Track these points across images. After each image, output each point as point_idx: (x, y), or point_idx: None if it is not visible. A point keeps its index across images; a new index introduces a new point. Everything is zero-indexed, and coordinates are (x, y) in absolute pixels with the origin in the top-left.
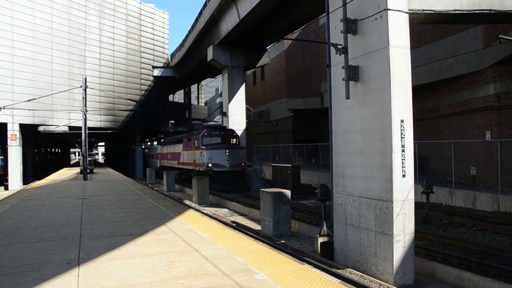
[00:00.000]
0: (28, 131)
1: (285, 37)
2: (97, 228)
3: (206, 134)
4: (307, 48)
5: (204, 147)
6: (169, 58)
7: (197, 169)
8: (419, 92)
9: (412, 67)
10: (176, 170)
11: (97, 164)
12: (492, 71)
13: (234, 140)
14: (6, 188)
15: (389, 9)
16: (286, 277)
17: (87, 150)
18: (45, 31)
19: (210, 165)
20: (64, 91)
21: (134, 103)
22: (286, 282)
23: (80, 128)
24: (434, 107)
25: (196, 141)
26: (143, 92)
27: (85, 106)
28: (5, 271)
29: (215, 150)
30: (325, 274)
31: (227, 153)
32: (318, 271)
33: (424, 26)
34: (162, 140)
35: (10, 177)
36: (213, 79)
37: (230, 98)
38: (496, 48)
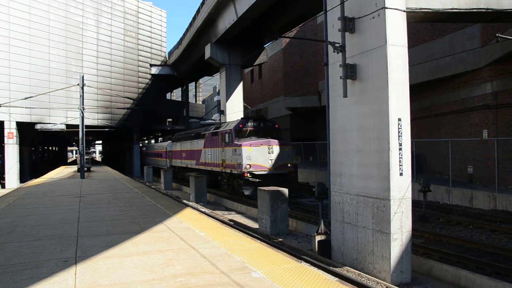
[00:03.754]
0: (25, 129)
1: (283, 35)
2: (94, 226)
3: (240, 126)
4: (305, 46)
5: (239, 143)
6: (167, 56)
7: (229, 171)
8: (416, 90)
9: (410, 66)
10: (195, 172)
11: (94, 162)
12: (489, 69)
13: (277, 133)
14: (3, 186)
15: (387, 8)
16: (283, 275)
17: (85, 149)
18: (42, 28)
19: (248, 166)
20: (61, 89)
21: (132, 101)
22: (283, 280)
23: (77, 126)
24: (432, 106)
25: (226, 135)
26: (141, 90)
27: (83, 104)
28: (1, 270)
29: (254, 146)
30: (323, 272)
31: (270, 151)
32: (315, 269)
33: (422, 24)
34: (174, 136)
35: (7, 176)
36: (210, 77)
37: (227, 97)
38: (493, 47)
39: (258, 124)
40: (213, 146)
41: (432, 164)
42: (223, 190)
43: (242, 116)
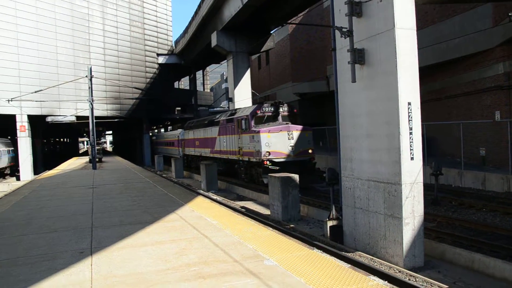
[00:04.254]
0: (37, 122)
1: (289, 21)
2: (107, 217)
3: (257, 111)
4: (312, 31)
5: (256, 129)
6: (173, 45)
7: (246, 159)
8: (426, 73)
9: (419, 48)
10: (209, 160)
11: (105, 152)
12: (501, 50)
13: (295, 118)
14: (18, 178)
15: None
16: (296, 262)
17: (95, 140)
18: (48, 21)
19: (267, 153)
20: (70, 81)
21: (140, 91)
22: (296, 268)
23: (87, 117)
24: (442, 88)
25: (243, 121)
26: (149, 79)
27: (92, 96)
28: (21, 261)
29: (273, 133)
30: (335, 259)
31: (290, 137)
32: (327, 256)
33: (431, 5)
34: (186, 123)
35: (21, 168)
36: (218, 65)
37: (235, 84)
38: (505, 26)
39: (275, 109)
40: (228, 133)
41: (443, 147)
42: (240, 179)
43: (258, 102)
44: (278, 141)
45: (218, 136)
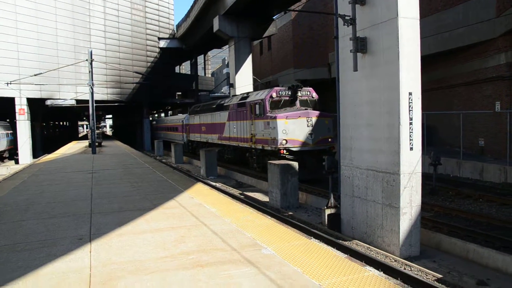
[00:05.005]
0: (36, 105)
1: (292, 7)
2: (107, 203)
3: (274, 95)
4: (314, 17)
5: (273, 115)
6: (175, 29)
7: (259, 147)
8: (428, 62)
9: (421, 37)
10: (217, 147)
11: (105, 136)
12: (504, 40)
13: (314, 103)
14: (17, 162)
15: None
16: (293, 251)
17: (95, 124)
18: (48, 3)
19: (284, 141)
20: (70, 65)
21: (141, 75)
22: (293, 257)
23: (87, 101)
24: (443, 77)
25: (257, 106)
26: (149, 64)
27: (92, 80)
28: (21, 247)
29: (291, 119)
30: (332, 248)
31: (309, 124)
32: (325, 246)
33: None
34: (191, 107)
35: (20, 151)
36: (219, 50)
37: (237, 69)
38: (509, 16)
39: (293, 93)
40: (239, 119)
41: (443, 136)
42: (252, 168)
43: (269, 86)
44: (296, 128)
45: (227, 122)
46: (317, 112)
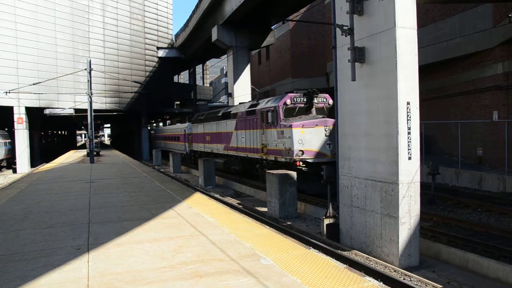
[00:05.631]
0: (34, 114)
1: (290, 17)
2: (105, 213)
3: (288, 102)
4: (313, 27)
5: (287, 123)
6: (174, 39)
7: (272, 158)
8: (425, 71)
9: (419, 47)
10: (223, 158)
11: (103, 146)
12: (501, 50)
13: (331, 110)
14: (15, 171)
15: None
16: (292, 262)
17: (93, 133)
18: (47, 12)
19: (300, 152)
20: (69, 74)
21: (139, 84)
22: (292, 267)
23: (85, 110)
24: (441, 87)
25: (269, 114)
26: (148, 73)
27: (90, 89)
28: (17, 257)
29: (308, 128)
30: (331, 258)
31: (327, 133)
32: (324, 256)
33: (432, 4)
34: (193, 116)
35: (18, 161)
36: (218, 59)
37: (235, 79)
38: (505, 26)
39: (309, 99)
40: (248, 128)
41: (441, 146)
42: (262, 181)
43: (290, 91)
44: (313, 138)
45: (235, 131)
46: (334, 121)
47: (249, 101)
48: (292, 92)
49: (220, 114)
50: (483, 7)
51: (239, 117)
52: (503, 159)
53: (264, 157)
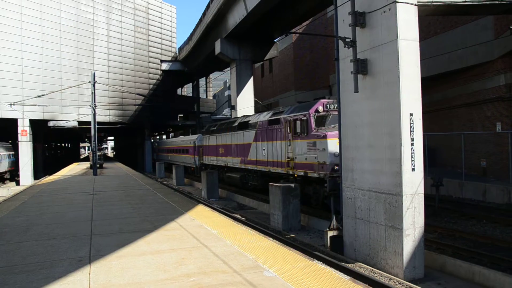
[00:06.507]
0: (38, 127)
1: (293, 30)
2: (107, 225)
3: (320, 109)
4: (315, 40)
5: (320, 134)
6: (177, 52)
7: (301, 173)
8: (428, 83)
9: (421, 59)
10: (239, 172)
11: (106, 158)
12: (502, 61)
13: None
14: (18, 183)
15: (398, 2)
16: (295, 274)
17: (97, 145)
18: (53, 26)
19: (336, 167)
20: (73, 86)
21: (143, 97)
22: (295, 279)
23: (89, 123)
24: (444, 99)
25: (298, 123)
26: (151, 86)
27: (94, 101)
28: (18, 269)
29: None
30: (335, 270)
31: None
32: (328, 268)
33: (434, 16)
34: (205, 127)
35: (21, 173)
36: (221, 72)
37: (238, 92)
38: (507, 38)
39: None
40: (271, 139)
41: (444, 158)
42: None
43: (319, 99)
44: None
45: (254, 143)
46: None
47: (272, 110)
48: (323, 98)
49: (236, 124)
50: (485, 19)
51: (259, 127)
52: (507, 171)
53: (290, 172)
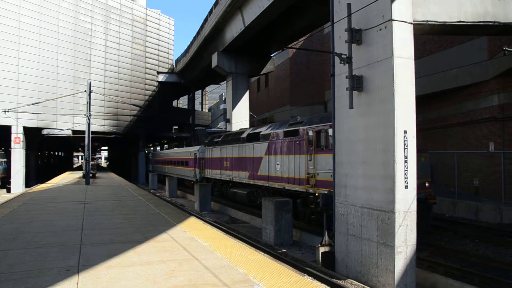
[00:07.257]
0: (32, 134)
1: (290, 45)
2: (97, 235)
3: None
4: (312, 56)
5: None
6: (174, 64)
7: (324, 192)
8: (422, 102)
9: (416, 77)
10: (246, 188)
11: (99, 168)
12: (496, 82)
13: None
14: (9, 191)
15: (394, 20)
16: None
17: (90, 155)
18: (51, 35)
19: None
20: (68, 95)
21: (138, 108)
22: None
23: (83, 132)
24: (438, 117)
25: (321, 134)
26: (147, 97)
27: (89, 111)
28: (4, 277)
29: None
30: (326, 286)
31: None
32: (318, 283)
33: (429, 36)
34: (209, 138)
35: (12, 180)
36: (217, 85)
37: (234, 105)
38: (500, 59)
39: None
40: (287, 153)
41: (438, 176)
42: (306, 220)
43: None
44: None
45: (266, 156)
46: None
47: (290, 119)
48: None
49: (245, 135)
50: (479, 40)
51: (272, 139)
52: (499, 190)
53: (310, 190)
